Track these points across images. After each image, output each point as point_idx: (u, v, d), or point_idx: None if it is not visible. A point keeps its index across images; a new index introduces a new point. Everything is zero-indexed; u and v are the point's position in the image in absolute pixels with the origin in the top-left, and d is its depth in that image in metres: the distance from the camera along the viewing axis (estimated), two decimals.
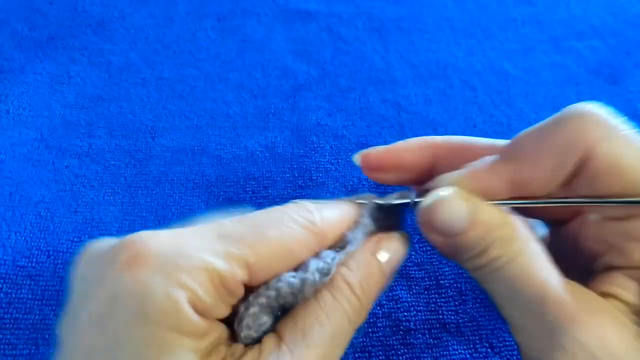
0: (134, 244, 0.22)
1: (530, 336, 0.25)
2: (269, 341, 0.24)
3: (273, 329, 0.25)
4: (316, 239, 0.26)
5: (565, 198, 0.27)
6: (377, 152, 0.33)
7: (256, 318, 0.25)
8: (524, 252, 0.25)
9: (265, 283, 0.25)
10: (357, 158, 0.33)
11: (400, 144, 0.33)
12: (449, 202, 0.26)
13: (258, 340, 0.25)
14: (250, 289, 0.25)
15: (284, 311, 0.26)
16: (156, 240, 0.23)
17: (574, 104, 0.27)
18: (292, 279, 0.25)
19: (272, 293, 0.25)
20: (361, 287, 0.26)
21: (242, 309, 0.25)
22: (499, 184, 0.27)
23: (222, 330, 0.24)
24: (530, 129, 0.27)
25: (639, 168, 0.25)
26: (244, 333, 0.24)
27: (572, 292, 0.25)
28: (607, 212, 0.27)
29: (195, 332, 0.22)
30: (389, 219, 0.31)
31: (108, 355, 0.20)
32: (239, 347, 0.24)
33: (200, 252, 0.22)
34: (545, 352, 0.24)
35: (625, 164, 0.25)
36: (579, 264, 0.29)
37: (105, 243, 0.24)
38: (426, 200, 0.27)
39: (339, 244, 0.28)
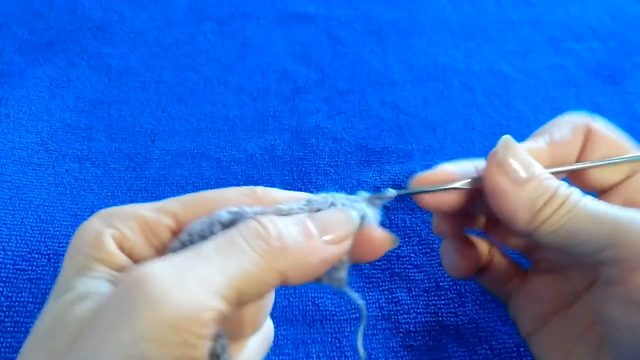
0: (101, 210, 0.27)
1: (622, 260, 0.26)
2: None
3: None
4: (249, 200, 0.26)
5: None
6: (429, 174, 0.33)
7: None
8: (586, 196, 0.29)
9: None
10: (414, 182, 0.33)
11: (451, 165, 0.33)
12: (518, 148, 0.30)
13: None
14: None
15: None
16: (118, 206, 0.27)
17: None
18: (202, 219, 0.25)
19: (184, 235, 0.25)
20: (272, 228, 0.24)
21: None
22: (539, 150, 0.32)
23: None
24: (544, 126, 0.34)
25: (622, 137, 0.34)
26: None
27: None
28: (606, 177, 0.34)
29: (114, 263, 0.24)
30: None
31: (54, 285, 0.24)
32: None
33: (139, 208, 0.26)
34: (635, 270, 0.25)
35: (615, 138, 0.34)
36: None
37: None
38: (500, 144, 0.30)
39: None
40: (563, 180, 0.30)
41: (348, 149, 0.54)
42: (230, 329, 0.27)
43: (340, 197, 0.28)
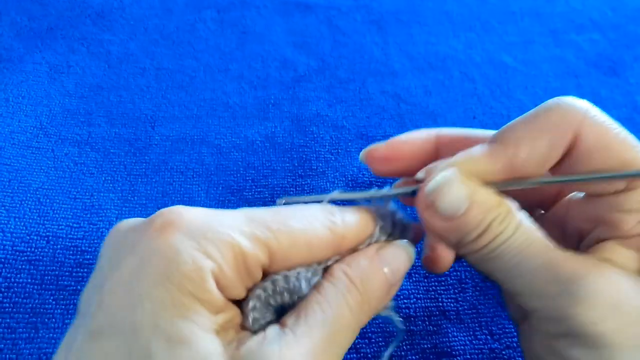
0: (169, 213, 0.24)
1: (545, 300, 0.25)
2: (273, 327, 0.24)
3: (278, 321, 0.25)
4: (335, 239, 0.26)
5: (554, 177, 0.28)
6: (380, 147, 0.33)
7: (255, 310, 0.25)
8: (524, 224, 0.27)
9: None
10: (363, 156, 0.33)
11: (403, 136, 0.33)
12: (451, 184, 0.27)
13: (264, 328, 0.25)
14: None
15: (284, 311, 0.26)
16: (190, 212, 0.24)
17: (558, 97, 0.28)
18: (288, 272, 0.25)
19: (269, 285, 0.25)
20: (361, 281, 0.26)
21: (249, 296, 0.25)
22: (495, 167, 0.27)
23: (235, 313, 0.24)
24: (521, 116, 0.28)
25: (622, 145, 0.26)
26: (250, 316, 0.25)
27: (574, 254, 0.26)
28: (594, 189, 0.28)
29: (213, 305, 0.22)
30: (400, 234, 0.30)
31: (128, 313, 0.21)
32: (246, 333, 0.24)
33: (229, 229, 0.23)
34: (565, 309, 0.24)
35: (610, 141, 0.26)
36: (568, 247, 0.29)
37: (136, 220, 0.25)
38: (430, 184, 0.27)
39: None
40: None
41: (349, 137, 0.54)
42: None
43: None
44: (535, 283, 0.26)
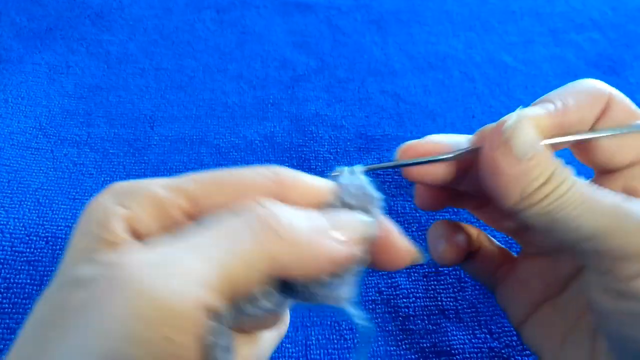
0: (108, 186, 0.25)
1: (623, 238, 0.25)
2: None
3: None
4: (273, 185, 0.24)
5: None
6: (419, 144, 0.31)
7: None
8: (580, 179, 0.27)
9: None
10: (401, 152, 0.31)
11: (444, 137, 0.32)
12: (526, 125, 0.27)
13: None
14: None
15: None
16: (124, 182, 0.24)
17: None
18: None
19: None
20: (283, 211, 0.22)
21: None
22: (552, 122, 0.29)
23: None
24: (559, 88, 0.31)
25: None
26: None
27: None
28: (615, 163, 0.31)
29: (121, 246, 0.21)
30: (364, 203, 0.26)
31: (60, 267, 0.22)
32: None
33: (148, 184, 0.23)
34: (635, 248, 0.24)
35: (634, 113, 0.30)
36: None
37: None
38: (509, 121, 0.27)
39: None
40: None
41: (348, 137, 0.54)
42: (249, 324, 0.26)
43: (355, 184, 0.26)
44: (611, 221, 0.25)
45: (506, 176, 0.27)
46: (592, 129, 0.30)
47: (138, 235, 0.22)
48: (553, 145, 0.29)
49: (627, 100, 0.30)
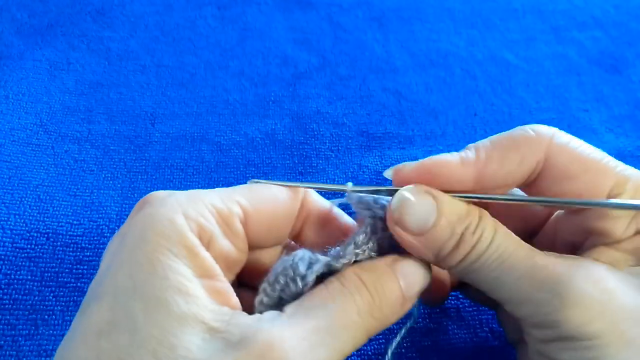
0: (144, 197, 0.26)
1: (533, 306, 0.25)
2: (271, 311, 0.24)
3: None
4: (294, 196, 0.29)
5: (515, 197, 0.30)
6: (409, 169, 0.30)
7: (261, 304, 0.26)
8: (501, 231, 0.27)
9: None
10: (389, 173, 0.31)
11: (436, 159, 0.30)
12: (415, 198, 0.27)
13: None
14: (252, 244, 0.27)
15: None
16: (164, 191, 0.26)
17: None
18: (285, 257, 0.26)
19: (271, 275, 0.26)
20: (374, 285, 0.26)
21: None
22: (467, 176, 0.28)
23: (231, 294, 0.24)
24: (493, 136, 0.29)
25: (590, 162, 0.27)
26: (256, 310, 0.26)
27: (559, 256, 0.26)
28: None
29: (198, 264, 0.23)
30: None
31: (110, 280, 0.22)
32: (243, 313, 0.24)
33: (201, 195, 0.25)
34: (553, 314, 0.24)
35: (578, 158, 0.27)
36: None
37: None
38: (393, 201, 0.28)
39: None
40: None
41: (349, 134, 0.54)
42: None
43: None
44: (522, 290, 0.26)
45: (414, 248, 0.28)
46: (536, 180, 0.28)
47: (204, 244, 0.24)
48: (479, 190, 0.28)
49: (571, 144, 0.28)
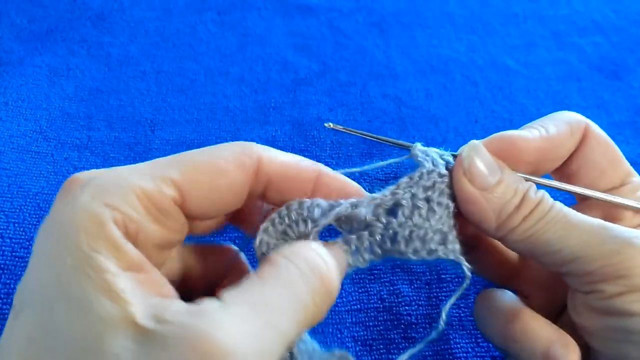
0: (67, 180, 0.23)
1: (603, 259, 0.26)
2: (210, 300, 0.21)
3: None
4: (250, 161, 0.26)
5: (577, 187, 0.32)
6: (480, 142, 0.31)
7: (266, 232, 0.26)
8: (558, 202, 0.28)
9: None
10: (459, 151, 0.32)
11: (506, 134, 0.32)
12: (483, 150, 0.29)
13: None
14: (189, 215, 0.25)
15: None
16: (85, 173, 0.23)
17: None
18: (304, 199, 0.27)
19: (283, 210, 0.27)
20: (330, 277, 0.24)
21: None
22: (530, 149, 0.30)
23: (160, 279, 0.23)
24: (539, 119, 0.32)
25: (618, 154, 0.32)
26: (259, 237, 0.26)
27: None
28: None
29: (123, 257, 0.21)
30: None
31: (37, 283, 0.21)
32: (176, 302, 0.21)
33: (127, 176, 0.23)
34: (627, 261, 0.25)
35: (609, 148, 0.32)
36: None
37: None
38: (465, 150, 0.29)
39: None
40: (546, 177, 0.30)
41: (350, 141, 0.54)
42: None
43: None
44: (591, 244, 0.26)
45: (478, 204, 0.28)
46: (571, 156, 0.32)
47: (134, 240, 0.22)
48: (533, 171, 0.31)
49: (602, 133, 0.32)
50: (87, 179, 0.23)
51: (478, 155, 0.28)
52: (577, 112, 0.58)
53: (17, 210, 0.44)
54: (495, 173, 0.28)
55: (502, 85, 0.61)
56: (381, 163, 0.33)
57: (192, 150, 0.26)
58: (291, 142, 0.53)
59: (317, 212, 0.26)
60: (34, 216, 0.43)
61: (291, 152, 0.51)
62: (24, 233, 0.42)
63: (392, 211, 0.28)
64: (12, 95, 0.54)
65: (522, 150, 0.30)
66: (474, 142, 0.29)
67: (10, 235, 0.42)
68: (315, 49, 0.64)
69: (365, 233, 0.27)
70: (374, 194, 0.28)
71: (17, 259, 0.40)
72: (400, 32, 0.68)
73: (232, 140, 0.53)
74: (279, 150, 0.28)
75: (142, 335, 0.19)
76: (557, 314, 0.33)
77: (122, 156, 0.50)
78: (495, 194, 0.28)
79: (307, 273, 0.23)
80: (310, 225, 0.26)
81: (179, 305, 0.21)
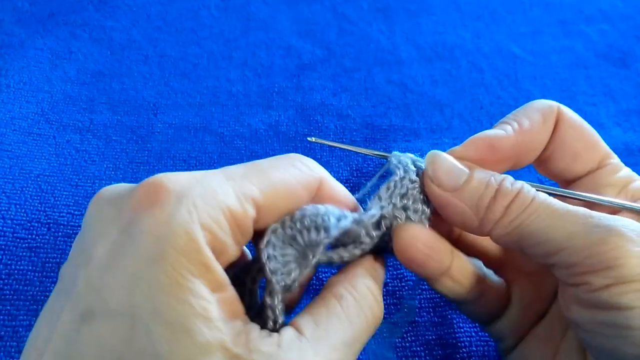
0: (153, 183, 0.22)
1: (591, 249, 0.24)
2: (288, 331, 0.23)
3: (289, 322, 0.25)
4: (315, 182, 0.27)
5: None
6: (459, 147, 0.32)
7: (269, 245, 0.25)
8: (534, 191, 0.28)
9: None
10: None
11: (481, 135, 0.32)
12: (441, 155, 0.30)
13: (288, 289, 0.25)
14: (257, 234, 0.25)
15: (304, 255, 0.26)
16: (174, 181, 0.22)
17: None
18: (317, 205, 0.26)
19: (287, 218, 0.26)
20: (380, 296, 0.27)
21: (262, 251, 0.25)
22: (506, 147, 0.30)
23: (234, 294, 0.23)
24: (513, 112, 0.33)
25: (594, 136, 0.32)
26: (264, 253, 0.25)
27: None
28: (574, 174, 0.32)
29: (214, 280, 0.21)
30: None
31: (123, 294, 0.20)
32: (254, 327, 0.23)
33: (217, 192, 0.22)
34: (615, 250, 0.24)
35: (584, 130, 0.32)
36: None
37: (121, 186, 0.24)
38: (425, 158, 0.30)
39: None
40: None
41: (354, 126, 0.53)
42: None
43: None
44: (578, 235, 0.25)
45: (453, 206, 0.28)
46: (549, 143, 0.32)
47: (217, 256, 0.22)
48: (513, 166, 0.31)
49: (575, 116, 0.32)
50: (180, 190, 0.22)
51: (440, 160, 0.29)
52: (584, 100, 0.58)
53: (19, 192, 0.43)
54: (461, 173, 0.29)
55: (508, 72, 0.61)
56: (371, 181, 0.33)
57: (264, 162, 0.26)
58: (294, 126, 0.53)
59: (332, 222, 0.25)
60: (36, 198, 0.43)
61: (294, 136, 0.52)
62: (25, 215, 0.42)
63: (377, 224, 0.29)
64: (14, 77, 0.54)
65: (499, 149, 0.30)
66: (431, 153, 0.30)
67: (12, 217, 0.41)
68: (320, 35, 0.64)
69: (352, 246, 0.28)
70: (368, 210, 0.29)
71: (18, 240, 0.40)
72: (405, 18, 0.67)
73: (235, 124, 0.53)
74: (333, 178, 0.29)
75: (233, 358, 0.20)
76: (544, 307, 0.32)
77: (124, 139, 0.50)
78: (466, 191, 0.28)
79: (367, 312, 0.26)
80: (322, 234, 0.25)
81: (263, 333, 0.22)
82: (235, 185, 0.23)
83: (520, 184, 0.28)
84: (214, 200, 0.22)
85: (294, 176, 0.26)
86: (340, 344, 0.24)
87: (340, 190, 0.29)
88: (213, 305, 0.21)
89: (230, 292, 0.23)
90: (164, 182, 0.22)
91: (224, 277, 0.22)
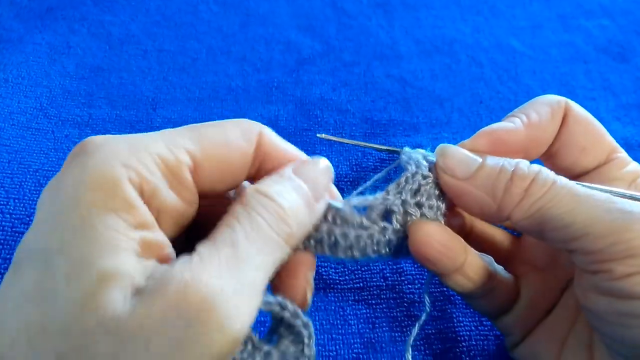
0: (80, 142, 0.23)
1: (613, 236, 0.24)
2: (183, 255, 0.22)
3: None
4: (253, 133, 0.27)
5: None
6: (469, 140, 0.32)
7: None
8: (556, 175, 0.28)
9: None
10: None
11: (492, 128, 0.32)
12: (455, 147, 0.30)
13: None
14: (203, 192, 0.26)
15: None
16: (101, 137, 0.23)
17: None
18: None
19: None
20: (277, 194, 0.25)
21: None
22: (516, 140, 0.31)
23: (165, 243, 0.23)
24: (521, 106, 0.33)
25: (600, 128, 0.33)
26: None
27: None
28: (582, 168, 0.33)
29: (135, 215, 0.21)
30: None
31: (43, 241, 0.21)
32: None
33: (143, 141, 0.23)
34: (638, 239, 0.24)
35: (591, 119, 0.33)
36: None
37: None
38: (436, 151, 0.30)
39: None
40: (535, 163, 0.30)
41: (353, 121, 0.53)
42: None
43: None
44: (601, 220, 0.25)
45: (469, 194, 0.28)
46: (557, 138, 0.32)
47: (149, 202, 0.23)
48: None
49: (583, 111, 0.32)
50: (103, 140, 0.23)
51: (450, 151, 0.29)
52: (584, 94, 0.58)
53: (17, 187, 0.43)
54: (473, 161, 0.29)
55: (507, 67, 0.60)
56: (378, 175, 0.34)
57: (202, 123, 0.27)
58: (294, 121, 0.53)
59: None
60: (34, 192, 0.43)
61: (294, 131, 0.52)
62: (24, 209, 0.42)
63: (386, 217, 0.29)
64: (12, 72, 0.54)
65: (508, 142, 0.30)
66: (441, 146, 0.30)
67: (10, 211, 0.41)
68: (319, 29, 0.64)
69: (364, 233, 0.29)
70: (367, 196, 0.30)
71: (17, 234, 0.40)
72: (405, 12, 0.67)
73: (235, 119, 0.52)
74: (275, 133, 0.29)
75: (137, 290, 0.20)
76: (552, 302, 0.32)
77: (123, 134, 0.50)
78: (480, 177, 0.28)
79: (257, 207, 0.24)
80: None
81: (166, 265, 0.22)
82: (166, 138, 0.24)
83: (537, 167, 0.28)
84: (140, 145, 0.23)
85: (230, 129, 0.26)
86: (230, 249, 0.22)
87: (280, 142, 0.29)
88: (126, 238, 0.21)
89: (159, 234, 0.23)
90: (90, 138, 0.23)
91: (150, 217, 0.22)
